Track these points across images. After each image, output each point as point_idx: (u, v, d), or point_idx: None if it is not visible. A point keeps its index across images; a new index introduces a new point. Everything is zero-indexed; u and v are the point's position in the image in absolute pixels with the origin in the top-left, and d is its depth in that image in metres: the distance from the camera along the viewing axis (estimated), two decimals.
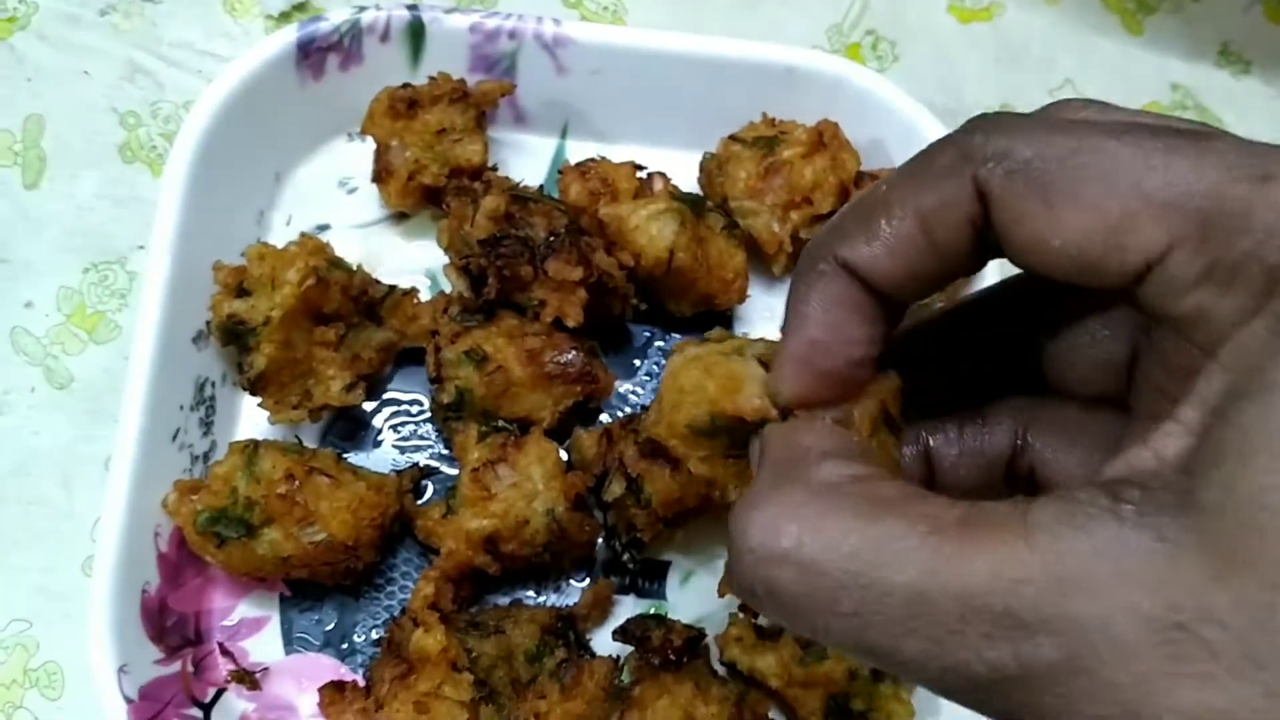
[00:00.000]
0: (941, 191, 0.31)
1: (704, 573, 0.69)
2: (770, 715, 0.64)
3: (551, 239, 0.66)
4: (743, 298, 0.71)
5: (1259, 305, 0.27)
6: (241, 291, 0.65)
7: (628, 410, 0.71)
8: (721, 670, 0.66)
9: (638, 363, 0.73)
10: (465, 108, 0.71)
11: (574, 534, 0.65)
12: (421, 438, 0.71)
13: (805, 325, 0.34)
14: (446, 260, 0.69)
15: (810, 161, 0.70)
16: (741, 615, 0.64)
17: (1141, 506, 0.26)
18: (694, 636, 0.64)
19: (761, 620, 0.65)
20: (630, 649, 0.64)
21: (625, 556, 0.67)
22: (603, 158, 0.71)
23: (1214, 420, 0.26)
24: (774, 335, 0.38)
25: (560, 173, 0.71)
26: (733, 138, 0.72)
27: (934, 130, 0.71)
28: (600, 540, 0.68)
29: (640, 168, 0.70)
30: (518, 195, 0.67)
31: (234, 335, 0.65)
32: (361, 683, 0.64)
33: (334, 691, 0.62)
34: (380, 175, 0.71)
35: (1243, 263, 0.27)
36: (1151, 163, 0.29)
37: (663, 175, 0.70)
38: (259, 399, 0.66)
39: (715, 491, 0.65)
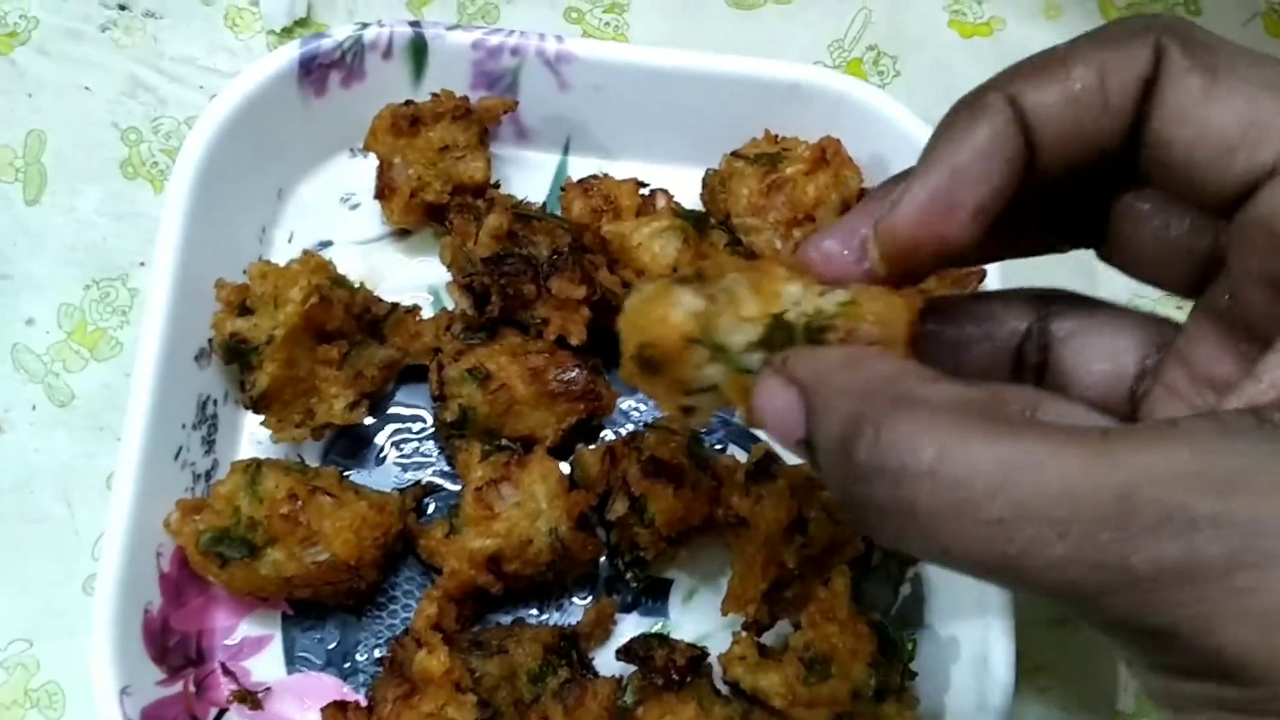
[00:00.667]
0: (1124, 47, 0.32)
1: (707, 590, 0.69)
2: None
3: (554, 257, 0.66)
4: None
5: None
6: (244, 310, 0.65)
7: (630, 427, 0.71)
8: (725, 689, 0.65)
9: None
10: (468, 125, 0.71)
11: (577, 553, 0.65)
12: (424, 455, 0.71)
13: (955, 150, 0.34)
14: (449, 277, 0.69)
15: (813, 179, 0.70)
16: (745, 634, 0.64)
17: None
18: (697, 656, 0.64)
19: (765, 639, 0.65)
20: (633, 668, 0.64)
21: (628, 575, 0.67)
22: (605, 174, 0.71)
23: None
24: None
25: (563, 189, 0.71)
26: (735, 154, 0.72)
27: None
28: (603, 559, 0.68)
29: (643, 185, 0.70)
30: (520, 213, 0.67)
31: (237, 354, 0.65)
32: (364, 703, 0.63)
33: (336, 711, 0.62)
34: (383, 192, 0.71)
35: None
36: None
37: (665, 192, 0.70)
38: (261, 417, 0.66)
39: (719, 510, 0.65)
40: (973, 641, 0.64)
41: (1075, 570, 0.27)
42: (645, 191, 0.70)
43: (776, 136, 0.72)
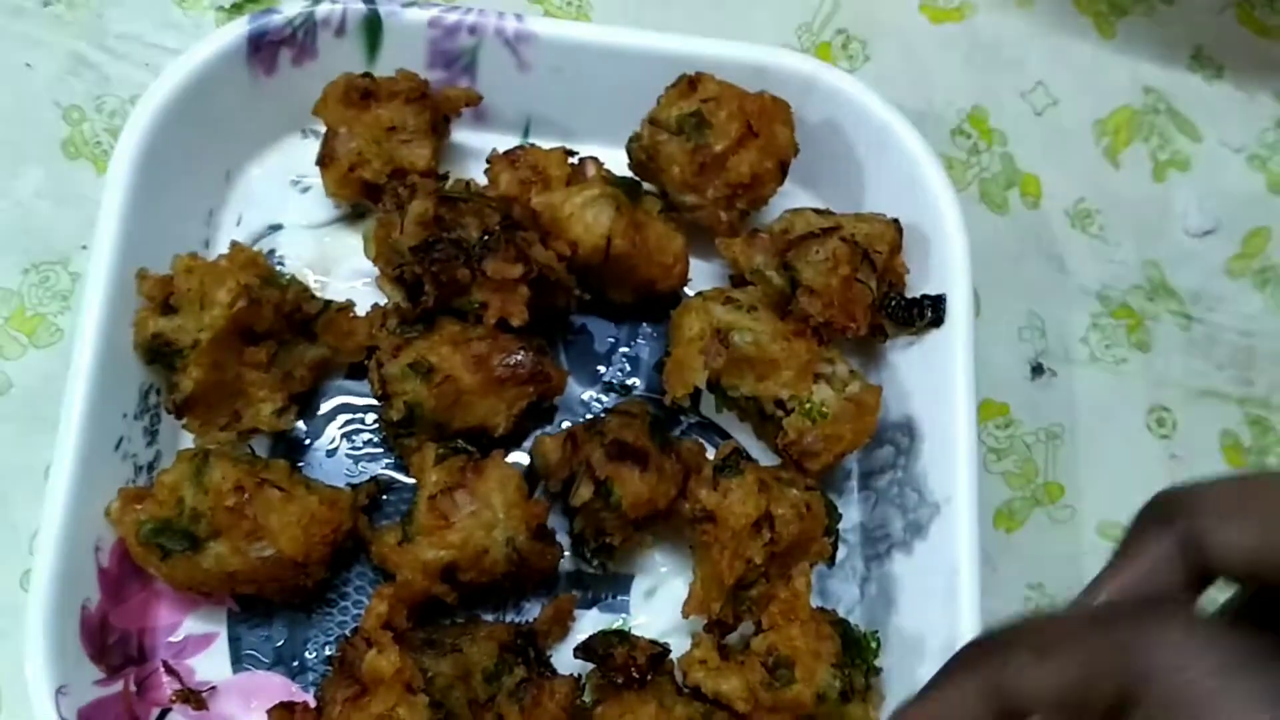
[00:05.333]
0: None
1: (669, 587, 0.67)
2: None
3: (486, 238, 0.63)
4: (684, 281, 0.69)
5: None
6: (167, 308, 0.63)
7: (589, 416, 0.69)
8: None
9: (602, 369, 0.71)
10: (421, 109, 0.68)
11: (535, 562, 0.63)
12: (376, 446, 0.68)
13: (1126, 571, 0.40)
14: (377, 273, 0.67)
15: (743, 152, 0.67)
16: (705, 636, 0.62)
17: None
18: (658, 654, 0.62)
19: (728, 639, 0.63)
20: (591, 666, 0.62)
21: (594, 563, 0.65)
22: (532, 144, 0.69)
23: None
24: None
25: (488, 162, 0.68)
26: (654, 121, 0.68)
27: (905, 133, 0.69)
28: (567, 552, 0.66)
29: (572, 153, 0.68)
30: (445, 196, 0.64)
31: (159, 355, 0.63)
32: (312, 703, 0.61)
33: (284, 712, 0.59)
34: (324, 160, 0.68)
35: None
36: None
37: (595, 160, 0.68)
38: (183, 421, 0.64)
39: (685, 504, 0.63)
40: (939, 636, 0.63)
41: None
42: (574, 160, 0.68)
43: (692, 81, 0.68)
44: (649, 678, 0.61)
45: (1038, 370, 0.75)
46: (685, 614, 0.63)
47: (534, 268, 0.63)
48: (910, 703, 0.43)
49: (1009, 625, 0.42)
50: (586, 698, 0.63)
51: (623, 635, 0.63)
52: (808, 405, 0.64)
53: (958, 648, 0.60)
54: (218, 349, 0.62)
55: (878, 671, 0.63)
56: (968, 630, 0.61)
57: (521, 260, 0.63)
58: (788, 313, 0.66)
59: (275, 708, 0.59)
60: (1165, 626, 0.37)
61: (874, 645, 0.63)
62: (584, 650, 0.62)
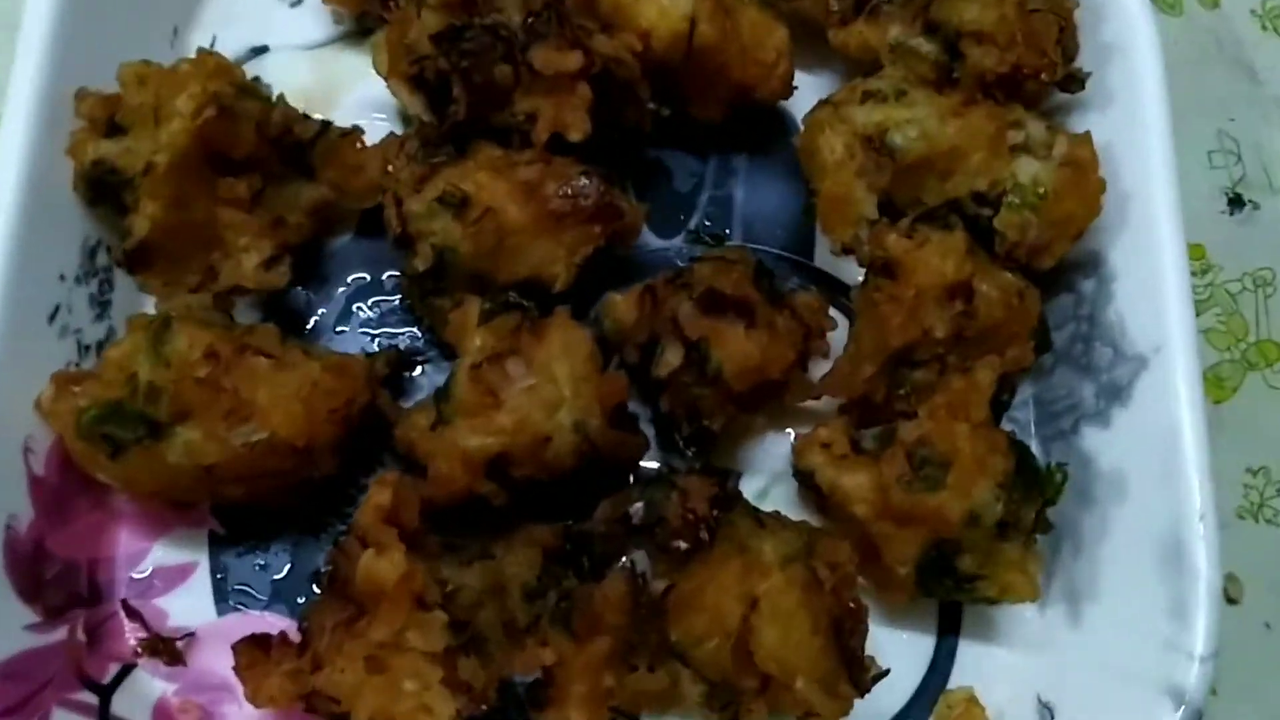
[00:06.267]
0: None
1: (787, 485, 0.53)
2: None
3: (531, 20, 0.49)
4: (788, 88, 0.56)
5: None
6: (114, 128, 0.50)
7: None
8: (769, 507, 0.49)
9: (684, 216, 0.57)
10: None
11: (612, 455, 0.48)
12: (400, 318, 0.55)
13: None
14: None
15: None
16: (841, 415, 0.50)
17: None
18: (718, 493, 0.47)
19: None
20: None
21: (690, 452, 0.51)
22: None
23: None
24: None
25: None
26: None
27: None
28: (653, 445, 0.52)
29: None
30: None
31: (105, 189, 0.50)
32: (296, 636, 0.45)
33: (253, 650, 0.44)
34: None
35: None
36: None
37: None
38: (139, 279, 0.51)
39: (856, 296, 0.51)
40: (1156, 523, 0.49)
41: None
42: None
43: None
44: (716, 525, 0.46)
45: (1236, 203, 0.63)
46: (819, 392, 0.50)
47: (595, 61, 0.49)
48: None
49: None
50: (653, 586, 0.47)
51: (666, 482, 0.47)
52: (1015, 191, 0.52)
53: (1183, 537, 0.47)
54: (180, 177, 0.49)
55: (1049, 525, 0.50)
56: (1194, 513, 0.48)
57: (578, 48, 0.49)
58: (948, 84, 0.53)
59: (242, 643, 0.45)
60: None
61: (1058, 481, 0.51)
62: (623, 524, 0.47)
